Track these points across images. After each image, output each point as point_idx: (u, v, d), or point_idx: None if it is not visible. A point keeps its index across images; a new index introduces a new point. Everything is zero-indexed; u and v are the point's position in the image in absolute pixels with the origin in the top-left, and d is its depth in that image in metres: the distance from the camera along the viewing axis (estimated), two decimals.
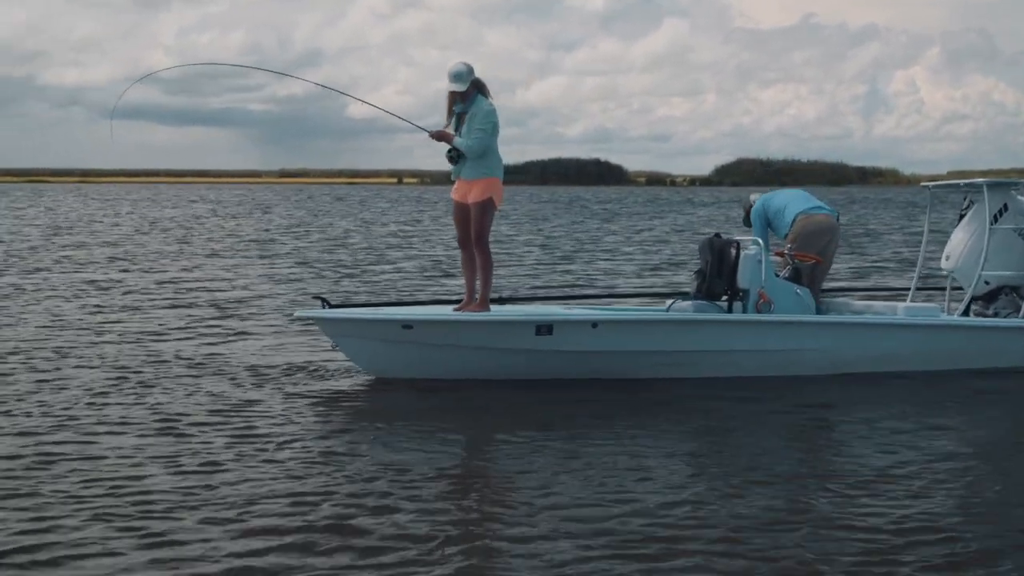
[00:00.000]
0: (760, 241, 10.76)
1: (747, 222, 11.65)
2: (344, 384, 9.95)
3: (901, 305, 11.11)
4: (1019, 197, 11.23)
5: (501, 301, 11.33)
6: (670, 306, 10.78)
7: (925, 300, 12.23)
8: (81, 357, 10.99)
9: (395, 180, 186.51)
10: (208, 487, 6.72)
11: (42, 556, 5.58)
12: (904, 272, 19.42)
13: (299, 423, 8.44)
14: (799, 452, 8.10)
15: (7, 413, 8.54)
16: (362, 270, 21.78)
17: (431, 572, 5.44)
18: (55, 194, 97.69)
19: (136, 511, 6.23)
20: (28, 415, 8.49)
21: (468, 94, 9.93)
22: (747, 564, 5.58)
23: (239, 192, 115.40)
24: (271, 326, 13.35)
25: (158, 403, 8.98)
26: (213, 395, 9.31)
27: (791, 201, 11.49)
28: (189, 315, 14.36)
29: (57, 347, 11.59)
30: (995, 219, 11.08)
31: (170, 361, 10.83)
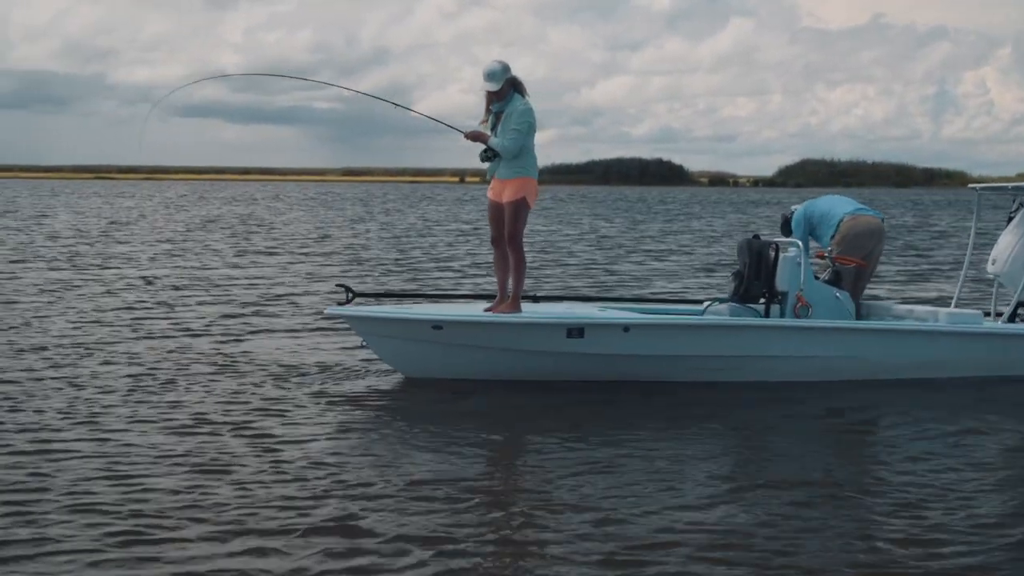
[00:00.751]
0: (799, 243, 10.54)
1: (785, 231, 11.41)
2: (372, 383, 9.87)
3: (943, 311, 10.83)
4: None
5: (535, 300, 11.22)
6: (706, 309, 10.61)
7: (970, 306, 11.95)
8: (111, 353, 11.01)
9: (458, 179, 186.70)
10: (226, 485, 6.68)
11: (48, 553, 5.55)
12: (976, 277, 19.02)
13: (323, 422, 8.39)
14: (833, 460, 7.87)
15: (25, 409, 8.55)
16: (407, 267, 21.73)
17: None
18: (119, 189, 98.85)
19: (144, 509, 6.19)
20: (40, 411, 8.48)
21: (504, 93, 9.81)
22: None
23: (301, 189, 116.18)
24: (305, 323, 13.33)
25: (178, 400, 8.96)
26: (238, 392, 9.28)
27: (836, 204, 11.26)
28: (226, 312, 14.38)
29: (87, 342, 11.63)
30: None
31: (199, 358, 10.83)
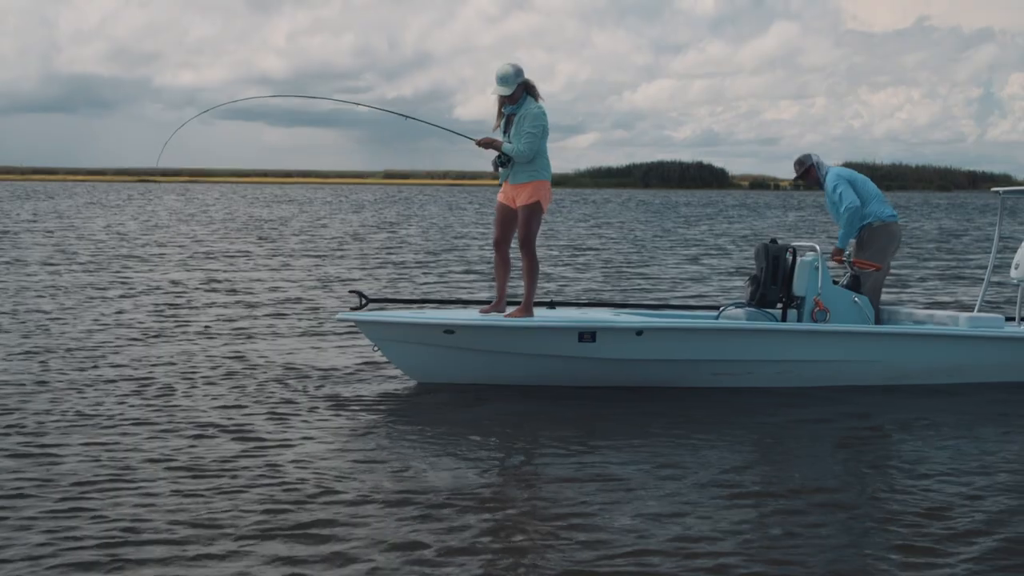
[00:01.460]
0: (817, 247, 10.34)
1: (803, 177, 11.09)
2: (384, 388, 9.82)
3: (963, 315, 10.65)
4: None
5: (552, 306, 11.13)
6: (721, 313, 10.49)
7: (996, 311, 11.75)
8: (123, 355, 11.04)
9: (499, 182, 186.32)
10: (237, 489, 6.66)
11: (42, 556, 5.52)
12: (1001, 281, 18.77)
13: (332, 427, 8.34)
14: (847, 468, 7.69)
15: (20, 410, 8.57)
16: (435, 271, 21.69)
17: None
18: (162, 193, 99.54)
19: (140, 513, 6.16)
20: (40, 413, 8.50)
21: (516, 96, 9.74)
22: None
23: (340, 192, 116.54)
24: (321, 327, 13.31)
25: (186, 404, 8.95)
26: (248, 396, 9.27)
27: (872, 198, 10.91)
28: (242, 314, 14.42)
29: (98, 345, 11.67)
30: None
31: (211, 361, 10.84)
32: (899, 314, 11.11)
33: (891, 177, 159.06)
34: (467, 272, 21.65)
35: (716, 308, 11.05)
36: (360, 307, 10.46)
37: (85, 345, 11.60)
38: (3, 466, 7.06)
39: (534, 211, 9.83)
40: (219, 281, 18.91)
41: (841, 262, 10.73)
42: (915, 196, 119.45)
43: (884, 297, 15.04)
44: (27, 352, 11.11)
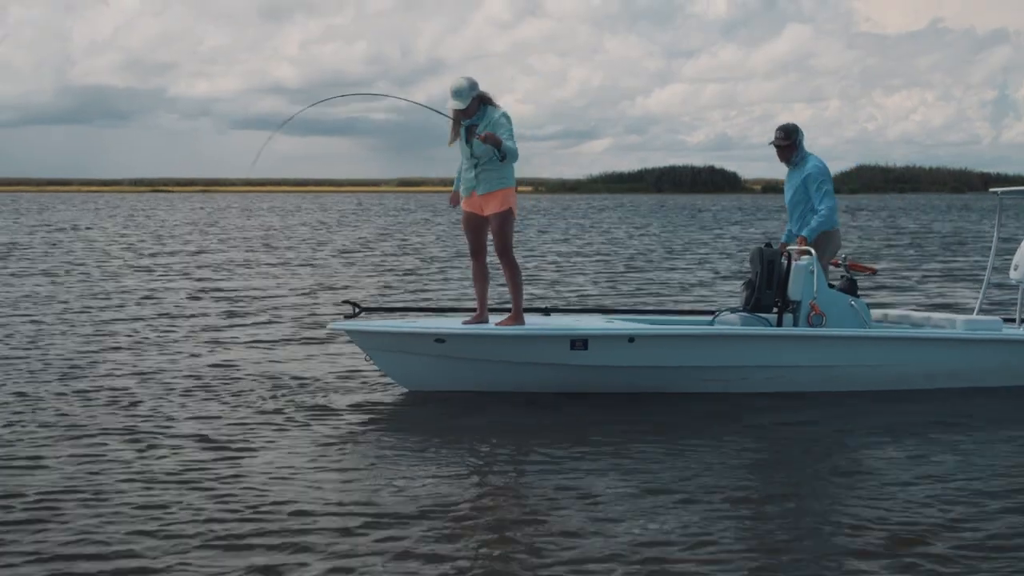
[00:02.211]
0: (812, 252, 10.18)
1: (783, 148, 10.45)
2: (375, 397, 9.77)
3: (960, 318, 10.51)
4: None
5: (546, 313, 11.06)
6: (715, 319, 10.38)
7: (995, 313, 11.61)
8: (114, 364, 10.99)
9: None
10: (224, 498, 6.63)
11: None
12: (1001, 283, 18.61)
13: (319, 435, 8.29)
14: (845, 475, 7.53)
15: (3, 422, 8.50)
16: (435, 279, 21.62)
17: None
18: (175, 202, 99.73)
19: (110, 524, 6.10)
20: (18, 424, 8.46)
21: (472, 110, 9.63)
22: None
23: (350, 200, 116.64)
24: (313, 335, 13.26)
25: (175, 413, 8.89)
26: (237, 405, 9.21)
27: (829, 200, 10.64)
28: (237, 324, 14.39)
29: (84, 354, 11.67)
30: None
31: (203, 369, 10.79)
32: (896, 317, 10.99)
33: (904, 179, 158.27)
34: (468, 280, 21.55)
35: (712, 313, 10.95)
36: (354, 316, 10.43)
37: (73, 355, 11.56)
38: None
39: (507, 218, 9.75)
40: (216, 290, 18.90)
41: (837, 265, 10.62)
42: (927, 198, 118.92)
43: (884, 299, 14.94)
44: (19, 360, 11.06)
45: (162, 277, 21.54)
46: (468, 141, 9.67)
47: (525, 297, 10.68)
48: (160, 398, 9.50)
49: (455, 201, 10.16)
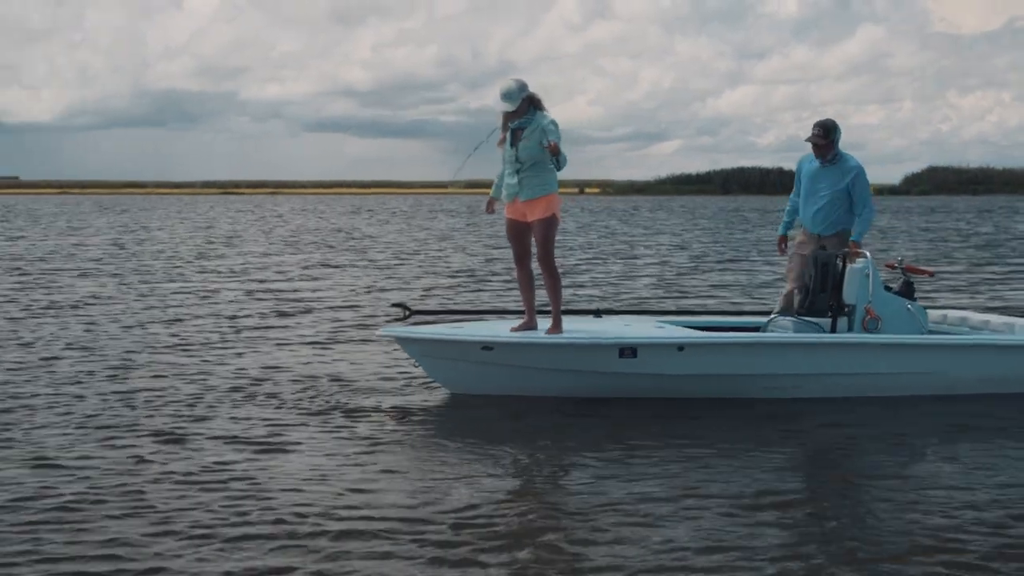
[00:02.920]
0: (868, 254, 9.98)
1: (821, 147, 10.13)
2: (420, 399, 9.70)
3: (1021, 322, 10.24)
4: None
5: (597, 314, 10.94)
6: (768, 324, 10.18)
7: None
8: (162, 365, 11.04)
9: (577, 190, 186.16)
10: (261, 498, 6.62)
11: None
12: None
13: (359, 436, 8.25)
14: (897, 484, 7.28)
15: (25, 424, 8.54)
16: (480, 281, 21.54)
17: None
18: (241, 204, 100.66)
19: (146, 522, 6.08)
20: (68, 419, 8.49)
21: (521, 111, 9.52)
22: None
23: (415, 202, 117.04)
24: (363, 336, 13.24)
25: (223, 415, 8.89)
26: (282, 406, 9.20)
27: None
28: (286, 325, 14.40)
29: (130, 352, 11.74)
30: None
31: (251, 369, 10.80)
32: (955, 319, 10.73)
33: (978, 180, 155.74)
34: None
35: (767, 315, 10.75)
36: (404, 318, 10.39)
37: (121, 355, 11.63)
38: (15, 474, 7.05)
39: (550, 224, 9.63)
40: (271, 291, 18.97)
41: (893, 267, 10.41)
42: (998, 200, 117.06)
43: (944, 301, 14.63)
44: (68, 360, 11.14)
45: (221, 278, 21.66)
46: (513, 144, 9.56)
47: (579, 297, 10.57)
48: (201, 399, 9.50)
49: (492, 208, 10.06)
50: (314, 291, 19.12)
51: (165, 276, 21.95)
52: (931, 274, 10.34)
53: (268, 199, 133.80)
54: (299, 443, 8.04)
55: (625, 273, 23.36)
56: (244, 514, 6.36)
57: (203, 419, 8.76)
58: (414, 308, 10.88)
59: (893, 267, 10.42)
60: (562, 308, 9.83)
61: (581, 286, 19.95)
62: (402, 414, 9.10)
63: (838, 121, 10.22)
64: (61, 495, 6.68)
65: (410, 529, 6.13)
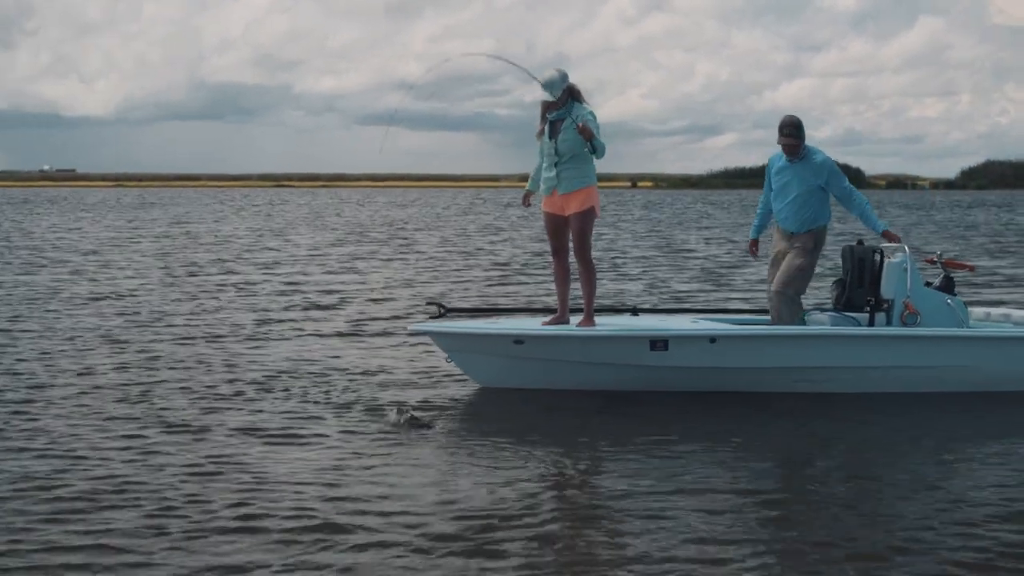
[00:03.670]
0: (906, 248, 9.80)
1: (792, 145, 9.80)
2: (451, 392, 9.66)
3: None
4: None
5: (634, 312, 10.86)
6: (805, 318, 10.03)
7: None
8: (198, 356, 11.07)
9: (630, 184, 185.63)
10: (294, 491, 6.61)
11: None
12: None
13: (381, 430, 8.19)
14: (929, 481, 7.11)
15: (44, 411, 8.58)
16: (519, 276, 21.46)
17: None
18: (292, 197, 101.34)
19: (185, 513, 6.07)
20: (98, 413, 8.51)
21: (561, 102, 9.45)
22: None
23: (467, 196, 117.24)
24: (396, 330, 13.20)
25: (250, 406, 8.88)
26: (316, 401, 9.16)
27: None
28: (321, 318, 14.42)
29: (166, 343, 11.80)
30: None
31: (284, 363, 10.79)
32: (996, 315, 10.53)
33: None
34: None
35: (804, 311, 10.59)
36: (439, 316, 10.35)
37: (149, 345, 11.69)
38: (28, 463, 7.07)
39: (588, 218, 9.54)
40: (312, 283, 19.03)
41: (932, 262, 10.23)
42: None
43: (985, 296, 14.38)
44: (97, 351, 11.20)
45: (264, 270, 21.75)
46: (552, 136, 9.47)
47: (616, 296, 10.48)
48: (238, 391, 9.51)
49: (528, 201, 9.99)
50: (354, 284, 19.15)
51: (211, 268, 22.06)
52: (971, 269, 10.16)
53: (322, 191, 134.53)
54: (324, 435, 8.02)
55: (670, 268, 23.21)
56: (265, 506, 6.33)
57: (224, 411, 8.76)
58: (449, 306, 10.85)
59: (932, 262, 10.24)
60: (596, 306, 9.74)
61: (622, 280, 19.86)
62: (432, 408, 9.05)
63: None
64: (70, 485, 6.69)
65: (434, 521, 6.10)
